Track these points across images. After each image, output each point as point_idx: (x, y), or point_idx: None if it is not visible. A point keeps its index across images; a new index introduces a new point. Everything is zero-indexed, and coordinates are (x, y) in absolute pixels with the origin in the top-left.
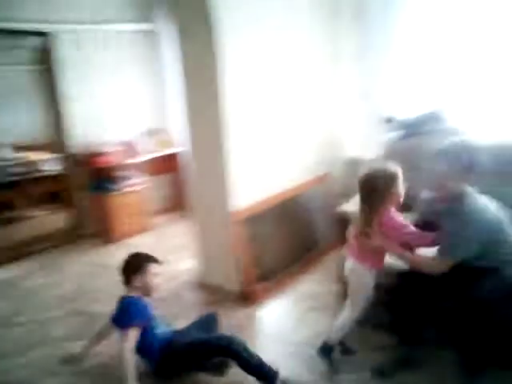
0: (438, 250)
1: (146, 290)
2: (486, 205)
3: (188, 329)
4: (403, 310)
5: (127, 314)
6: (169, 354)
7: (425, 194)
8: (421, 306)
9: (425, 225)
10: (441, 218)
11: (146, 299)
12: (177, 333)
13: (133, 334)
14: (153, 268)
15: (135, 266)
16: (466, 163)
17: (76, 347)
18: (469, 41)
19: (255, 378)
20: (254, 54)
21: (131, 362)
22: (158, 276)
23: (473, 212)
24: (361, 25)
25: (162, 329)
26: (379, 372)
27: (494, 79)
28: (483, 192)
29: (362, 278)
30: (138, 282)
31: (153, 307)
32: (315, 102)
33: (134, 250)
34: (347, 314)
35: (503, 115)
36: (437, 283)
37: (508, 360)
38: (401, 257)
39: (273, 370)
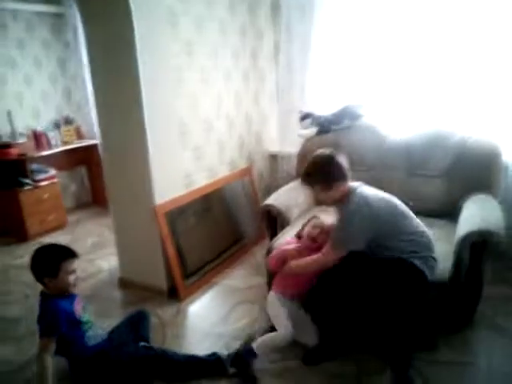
0: (328, 244)
1: (63, 290)
2: (371, 199)
3: (119, 330)
4: (321, 308)
5: (42, 321)
6: (97, 364)
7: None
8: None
9: None
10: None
11: (68, 297)
12: (109, 338)
13: (48, 345)
14: (68, 265)
15: (46, 267)
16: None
17: None
18: (385, 37)
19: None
20: (171, 40)
21: (48, 373)
22: (74, 273)
23: (353, 209)
24: (278, 20)
25: (95, 332)
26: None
27: (409, 75)
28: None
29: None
30: (51, 283)
31: (78, 306)
32: (237, 97)
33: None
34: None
35: (417, 111)
36: (350, 277)
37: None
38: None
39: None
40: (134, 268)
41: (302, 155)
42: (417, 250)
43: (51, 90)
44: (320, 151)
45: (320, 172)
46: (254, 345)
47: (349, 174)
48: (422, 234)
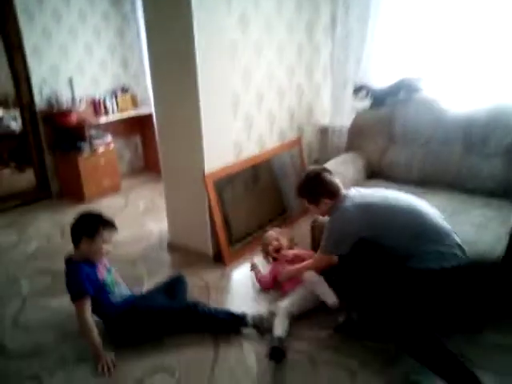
0: (318, 251)
1: (93, 255)
2: (353, 208)
3: (151, 293)
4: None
5: (70, 286)
6: (127, 320)
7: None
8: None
9: None
10: None
11: (92, 263)
12: (139, 297)
13: (82, 306)
14: (106, 233)
15: (88, 228)
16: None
17: (44, 303)
18: (447, 5)
19: (226, 327)
20: (226, 12)
21: (92, 330)
22: (109, 244)
23: (335, 219)
24: None
25: (120, 293)
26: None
27: (472, 45)
28: None
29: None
30: (86, 245)
31: (102, 270)
32: (290, 69)
33: (105, 211)
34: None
35: (479, 85)
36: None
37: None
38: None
39: (239, 313)
40: (183, 233)
41: (354, 129)
42: (420, 244)
43: (109, 59)
44: (310, 168)
45: (306, 189)
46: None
47: (336, 188)
48: (431, 225)
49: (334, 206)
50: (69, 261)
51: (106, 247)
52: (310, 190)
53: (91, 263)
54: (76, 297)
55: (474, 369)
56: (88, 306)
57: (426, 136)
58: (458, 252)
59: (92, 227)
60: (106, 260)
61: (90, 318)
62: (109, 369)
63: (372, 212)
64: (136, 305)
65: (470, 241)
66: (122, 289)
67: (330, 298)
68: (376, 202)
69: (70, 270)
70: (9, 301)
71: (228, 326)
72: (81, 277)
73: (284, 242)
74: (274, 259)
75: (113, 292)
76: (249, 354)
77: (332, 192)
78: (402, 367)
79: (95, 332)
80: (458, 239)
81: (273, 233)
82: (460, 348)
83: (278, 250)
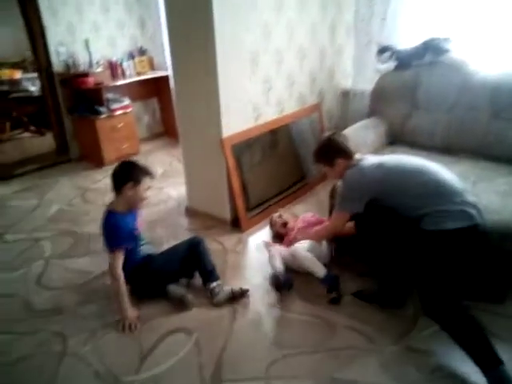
0: (333, 211)
1: (135, 203)
2: (366, 168)
3: (169, 254)
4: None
5: (112, 237)
6: (137, 275)
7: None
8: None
9: None
10: None
11: (132, 214)
12: (155, 256)
13: (118, 256)
14: (148, 180)
15: (131, 173)
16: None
17: (66, 264)
18: None
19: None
20: None
21: (121, 281)
22: (148, 190)
23: (348, 178)
24: None
25: (144, 247)
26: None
27: (501, 5)
28: None
29: None
30: (129, 191)
31: (137, 222)
32: (312, 27)
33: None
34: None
35: (508, 46)
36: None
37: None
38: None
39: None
40: (201, 198)
41: (377, 93)
42: (431, 204)
43: (126, 18)
44: (325, 134)
45: (320, 152)
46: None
47: (349, 149)
48: (444, 184)
49: (349, 166)
50: (109, 212)
51: (146, 194)
52: (324, 152)
53: (130, 212)
54: (113, 249)
55: (494, 339)
56: (121, 259)
57: (452, 101)
58: (473, 212)
59: (137, 173)
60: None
61: (122, 272)
62: (130, 327)
63: (386, 169)
64: (149, 262)
65: (494, 209)
66: (148, 245)
67: (320, 270)
68: (389, 161)
69: (112, 220)
70: (32, 261)
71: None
72: (122, 229)
73: (288, 216)
74: (283, 238)
75: (141, 246)
76: (266, 317)
77: (345, 152)
78: (418, 336)
79: (124, 287)
80: (472, 199)
81: (275, 214)
82: (480, 318)
83: (284, 224)
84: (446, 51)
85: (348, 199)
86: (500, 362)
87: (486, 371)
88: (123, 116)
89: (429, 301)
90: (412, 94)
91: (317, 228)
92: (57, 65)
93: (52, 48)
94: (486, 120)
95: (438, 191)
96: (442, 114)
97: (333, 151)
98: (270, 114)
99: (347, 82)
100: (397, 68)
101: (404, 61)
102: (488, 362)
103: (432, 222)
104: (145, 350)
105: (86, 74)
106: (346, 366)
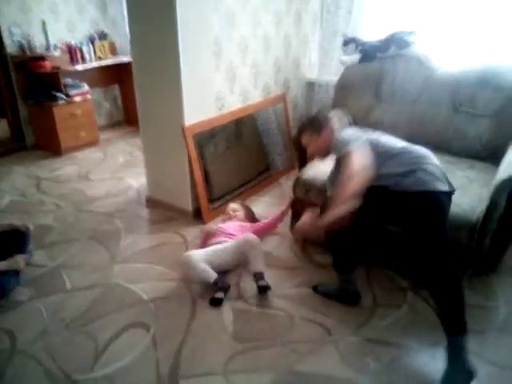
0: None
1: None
2: (351, 136)
3: None
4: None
5: None
6: None
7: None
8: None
9: None
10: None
11: None
12: None
13: None
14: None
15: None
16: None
17: None
18: None
19: None
20: None
21: None
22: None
23: (338, 144)
24: None
25: None
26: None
27: (464, 1)
28: None
29: None
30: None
31: None
32: (277, 16)
33: (83, 164)
34: None
35: (472, 43)
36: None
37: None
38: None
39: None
40: (162, 188)
41: (342, 85)
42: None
43: (86, 1)
44: None
45: (307, 123)
46: None
47: (335, 125)
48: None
49: (331, 141)
50: None
51: None
52: (310, 122)
53: None
54: None
55: None
56: None
57: (414, 95)
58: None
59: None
60: None
61: None
62: None
63: (374, 136)
64: None
65: (453, 202)
66: None
67: (259, 266)
68: (373, 133)
69: None
70: None
71: None
72: None
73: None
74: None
75: None
76: (225, 311)
77: (332, 125)
78: (376, 327)
79: None
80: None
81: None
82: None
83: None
84: (410, 44)
85: (353, 140)
86: (465, 331)
87: (451, 335)
88: (82, 103)
89: (432, 265)
90: (376, 86)
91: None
92: (10, 46)
93: (4, 28)
94: (447, 115)
95: (422, 152)
96: (405, 107)
97: (321, 119)
98: (234, 104)
99: (312, 73)
100: (361, 60)
101: (369, 53)
102: (458, 328)
103: (420, 182)
104: (100, 346)
105: (42, 58)
106: (306, 359)
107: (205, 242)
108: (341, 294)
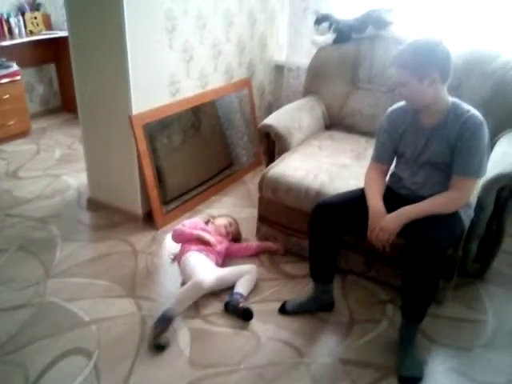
0: (465, 174)
1: None
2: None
3: None
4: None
5: None
6: None
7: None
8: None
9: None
10: (432, 137)
11: None
12: None
13: None
14: None
15: None
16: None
17: None
18: None
19: None
20: None
21: None
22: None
23: (477, 116)
24: None
25: None
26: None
27: None
28: None
29: None
30: None
31: None
32: None
33: (11, 159)
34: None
35: (457, 25)
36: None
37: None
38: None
39: None
40: (106, 188)
41: (314, 69)
42: None
43: None
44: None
45: (414, 55)
46: None
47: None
48: None
49: (444, 96)
50: None
51: None
52: (417, 57)
53: None
54: None
55: (429, 341)
56: None
57: (394, 81)
58: None
59: None
60: None
61: None
62: None
63: None
64: None
65: None
66: None
67: (245, 289)
68: None
69: None
70: None
71: None
72: None
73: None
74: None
75: None
76: (181, 331)
77: (446, 70)
78: (352, 346)
79: None
80: None
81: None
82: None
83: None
84: (389, 24)
85: (485, 156)
86: (422, 320)
87: (411, 322)
88: (10, 85)
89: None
90: (352, 71)
91: (438, 200)
92: None
93: None
94: None
95: None
96: (383, 94)
97: (434, 61)
98: (191, 89)
99: (281, 55)
100: (336, 41)
101: (344, 33)
102: (419, 316)
103: None
104: (31, 378)
105: None
106: None
107: (184, 249)
108: (315, 307)
